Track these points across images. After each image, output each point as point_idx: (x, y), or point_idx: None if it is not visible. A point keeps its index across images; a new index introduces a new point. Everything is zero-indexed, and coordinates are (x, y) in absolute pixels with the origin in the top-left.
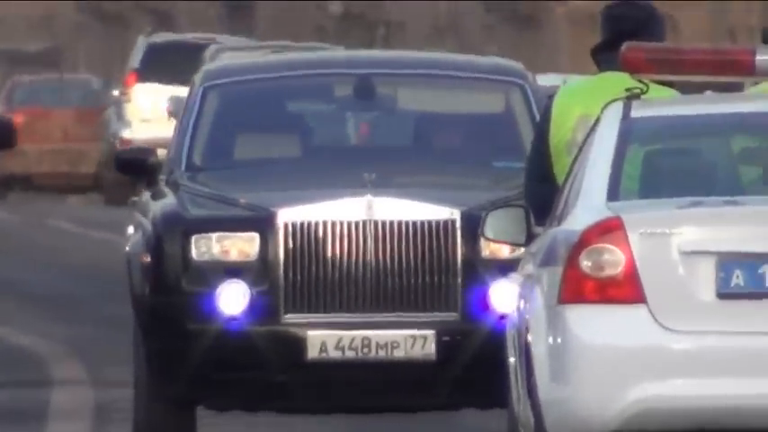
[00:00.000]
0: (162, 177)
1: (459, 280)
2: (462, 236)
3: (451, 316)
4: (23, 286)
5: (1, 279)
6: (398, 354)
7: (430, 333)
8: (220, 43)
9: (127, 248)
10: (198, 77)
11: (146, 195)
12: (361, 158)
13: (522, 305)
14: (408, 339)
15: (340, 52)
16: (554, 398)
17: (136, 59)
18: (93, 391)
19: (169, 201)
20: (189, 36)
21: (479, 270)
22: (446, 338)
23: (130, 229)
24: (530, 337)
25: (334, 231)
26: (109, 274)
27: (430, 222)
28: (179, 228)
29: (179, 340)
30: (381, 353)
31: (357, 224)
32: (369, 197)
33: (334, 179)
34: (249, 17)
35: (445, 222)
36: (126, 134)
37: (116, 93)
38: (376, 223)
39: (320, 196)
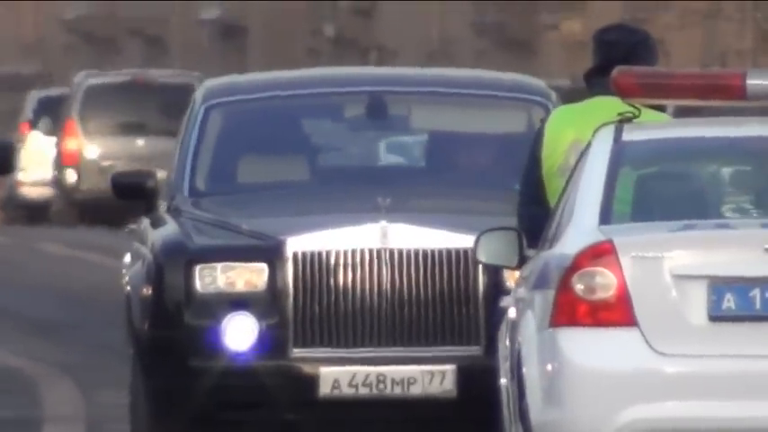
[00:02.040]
0: (162, 203)
1: (482, 311)
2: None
3: (473, 350)
4: (14, 310)
5: None
6: (415, 390)
7: (449, 368)
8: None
9: (125, 279)
10: (199, 95)
11: (145, 222)
12: (374, 182)
13: (514, 328)
14: (426, 375)
15: (351, 68)
16: (546, 420)
17: (29, 111)
18: (85, 415)
19: (171, 229)
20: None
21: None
22: (467, 374)
23: (127, 258)
24: (522, 360)
25: (346, 261)
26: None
27: (449, 250)
28: (182, 258)
29: (182, 377)
30: (397, 389)
31: (371, 253)
32: (383, 223)
33: (345, 204)
34: (242, 40)
35: (465, 250)
36: (20, 177)
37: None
38: (391, 252)
39: (331, 223)
